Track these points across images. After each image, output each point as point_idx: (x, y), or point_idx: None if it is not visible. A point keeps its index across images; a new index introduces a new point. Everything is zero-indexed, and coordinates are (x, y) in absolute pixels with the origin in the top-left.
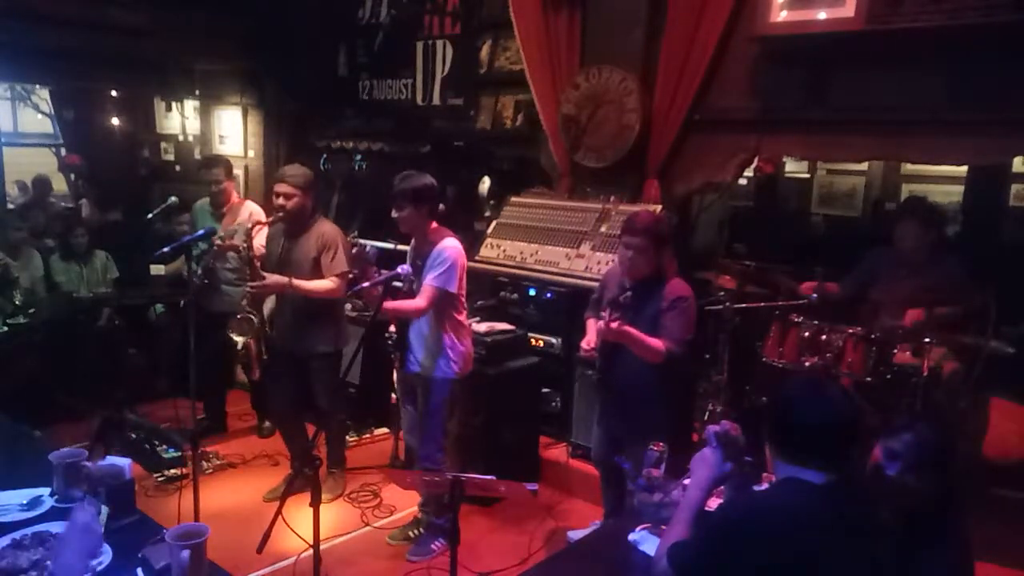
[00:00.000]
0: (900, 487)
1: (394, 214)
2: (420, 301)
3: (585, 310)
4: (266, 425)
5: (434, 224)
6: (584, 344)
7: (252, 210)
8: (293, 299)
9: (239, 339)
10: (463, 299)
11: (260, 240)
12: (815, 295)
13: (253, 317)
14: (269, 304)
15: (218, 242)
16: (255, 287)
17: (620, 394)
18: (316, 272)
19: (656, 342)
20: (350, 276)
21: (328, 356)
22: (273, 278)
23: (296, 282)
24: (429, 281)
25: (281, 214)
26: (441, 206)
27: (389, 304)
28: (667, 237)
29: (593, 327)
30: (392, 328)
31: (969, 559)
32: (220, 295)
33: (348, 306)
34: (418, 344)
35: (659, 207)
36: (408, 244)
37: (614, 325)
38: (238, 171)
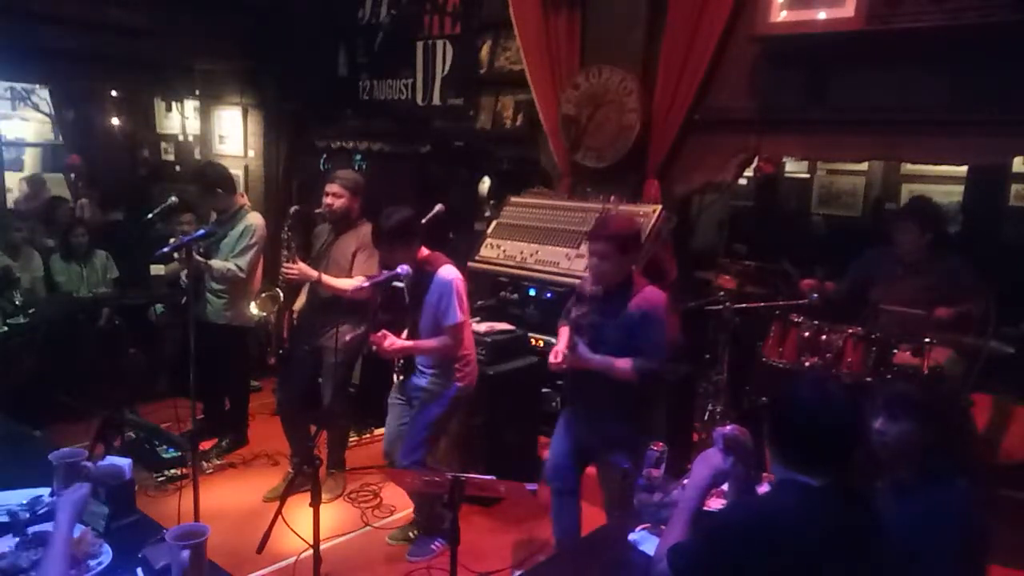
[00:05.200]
0: (900, 443)
1: (386, 253)
2: (448, 340)
3: (559, 318)
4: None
5: (425, 251)
6: (551, 357)
7: (247, 224)
8: (322, 294)
9: (258, 313)
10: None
11: (244, 261)
12: (815, 295)
13: (279, 293)
14: (301, 300)
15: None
16: (288, 270)
17: (588, 406)
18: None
19: (623, 364)
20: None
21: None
22: (303, 267)
23: (325, 278)
24: (449, 322)
25: (327, 211)
26: (440, 206)
27: (417, 346)
28: (634, 245)
29: (564, 335)
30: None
31: (982, 491)
32: (203, 304)
33: None
34: (425, 359)
35: (659, 207)
36: None
37: (574, 353)
38: (238, 171)
